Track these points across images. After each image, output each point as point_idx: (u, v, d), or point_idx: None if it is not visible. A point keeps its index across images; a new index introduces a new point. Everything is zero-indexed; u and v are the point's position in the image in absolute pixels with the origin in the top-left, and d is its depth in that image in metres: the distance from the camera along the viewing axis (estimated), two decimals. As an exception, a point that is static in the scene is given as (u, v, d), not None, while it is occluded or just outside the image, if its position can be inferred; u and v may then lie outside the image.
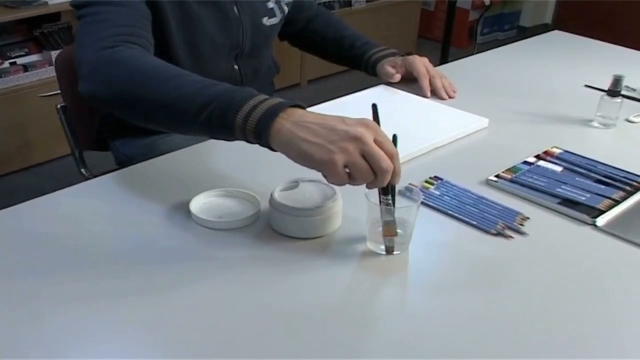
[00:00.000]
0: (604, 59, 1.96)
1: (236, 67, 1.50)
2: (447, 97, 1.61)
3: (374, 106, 1.02)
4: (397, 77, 1.64)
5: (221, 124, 0.99)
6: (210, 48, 1.42)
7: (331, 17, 1.78)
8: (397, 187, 1.02)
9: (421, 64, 1.62)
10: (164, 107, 1.03)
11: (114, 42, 1.12)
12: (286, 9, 1.57)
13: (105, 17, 1.16)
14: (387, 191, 1.00)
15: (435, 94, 1.62)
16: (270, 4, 1.52)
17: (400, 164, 0.96)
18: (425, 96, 1.60)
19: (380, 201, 1.00)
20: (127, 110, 1.08)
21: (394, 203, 1.01)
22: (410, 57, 1.64)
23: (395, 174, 0.95)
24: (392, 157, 0.94)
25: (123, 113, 1.10)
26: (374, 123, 0.96)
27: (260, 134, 0.96)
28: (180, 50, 1.38)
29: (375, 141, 0.93)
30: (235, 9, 1.43)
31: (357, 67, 1.70)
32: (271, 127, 0.95)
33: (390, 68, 1.64)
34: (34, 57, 2.93)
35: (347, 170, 0.94)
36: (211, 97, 0.99)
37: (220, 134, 1.01)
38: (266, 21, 1.51)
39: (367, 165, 0.93)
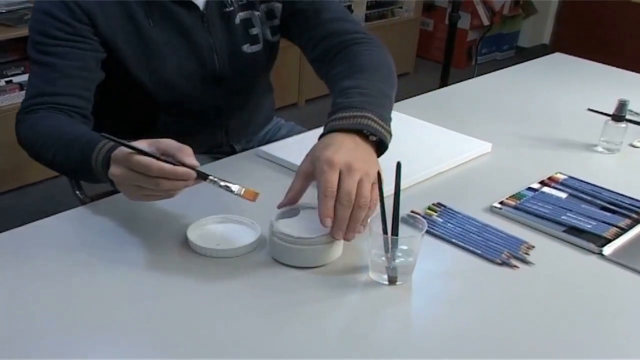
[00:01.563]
0: (606, 82, 1.95)
1: (220, 94, 1.44)
2: (340, 237, 1.02)
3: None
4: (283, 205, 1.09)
5: (97, 180, 1.11)
6: (180, 76, 1.37)
7: (355, 60, 1.33)
8: (400, 214, 1.00)
9: (331, 176, 1.01)
10: (59, 170, 1.23)
11: (27, 111, 1.26)
12: (269, 35, 1.47)
13: (31, 82, 1.29)
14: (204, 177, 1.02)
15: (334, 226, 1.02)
16: (254, 30, 1.43)
17: (171, 170, 0.97)
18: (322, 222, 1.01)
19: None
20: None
21: (396, 232, 0.99)
22: (321, 160, 1.04)
23: (181, 177, 0.98)
24: (154, 173, 0.96)
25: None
26: (116, 155, 1.01)
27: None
28: (146, 80, 1.34)
29: (130, 169, 0.98)
30: (208, 36, 1.37)
31: None
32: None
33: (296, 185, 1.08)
34: (30, 76, 2.91)
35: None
36: (75, 160, 1.12)
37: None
38: (247, 48, 1.43)
39: (150, 190, 1.00)
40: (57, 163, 1.19)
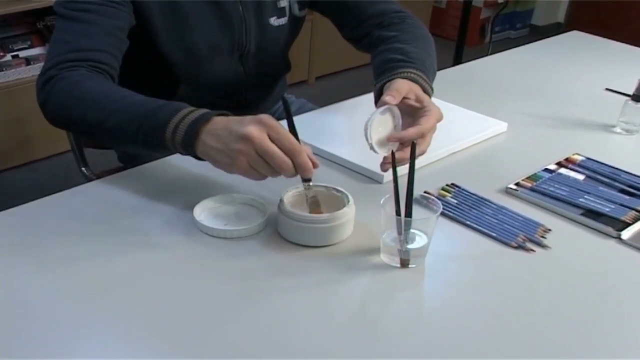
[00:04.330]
0: (624, 61, 1.90)
1: (241, 68, 1.43)
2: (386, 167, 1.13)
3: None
4: (392, 100, 1.14)
5: (156, 144, 1.04)
6: (207, 48, 1.36)
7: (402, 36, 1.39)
8: (414, 195, 0.97)
9: (434, 122, 1.17)
10: (103, 134, 1.11)
11: (63, 67, 1.15)
12: (297, 9, 1.47)
13: (64, 37, 1.20)
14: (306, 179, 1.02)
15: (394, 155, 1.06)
16: (282, 3, 1.43)
17: (305, 158, 0.97)
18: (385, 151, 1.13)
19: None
20: (73, 132, 1.19)
21: (410, 213, 0.96)
22: (429, 107, 1.19)
23: (302, 169, 0.97)
24: (291, 152, 0.96)
25: (71, 132, 1.20)
26: (269, 119, 0.97)
27: (187, 148, 1.01)
28: (172, 50, 1.33)
29: (271, 138, 0.96)
30: (240, 7, 1.36)
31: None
32: (195, 141, 1.00)
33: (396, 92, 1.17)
34: (36, 50, 2.87)
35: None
36: (140, 121, 1.04)
37: (161, 152, 1.08)
38: (274, 21, 1.43)
39: (264, 162, 0.96)
40: (108, 125, 1.08)
